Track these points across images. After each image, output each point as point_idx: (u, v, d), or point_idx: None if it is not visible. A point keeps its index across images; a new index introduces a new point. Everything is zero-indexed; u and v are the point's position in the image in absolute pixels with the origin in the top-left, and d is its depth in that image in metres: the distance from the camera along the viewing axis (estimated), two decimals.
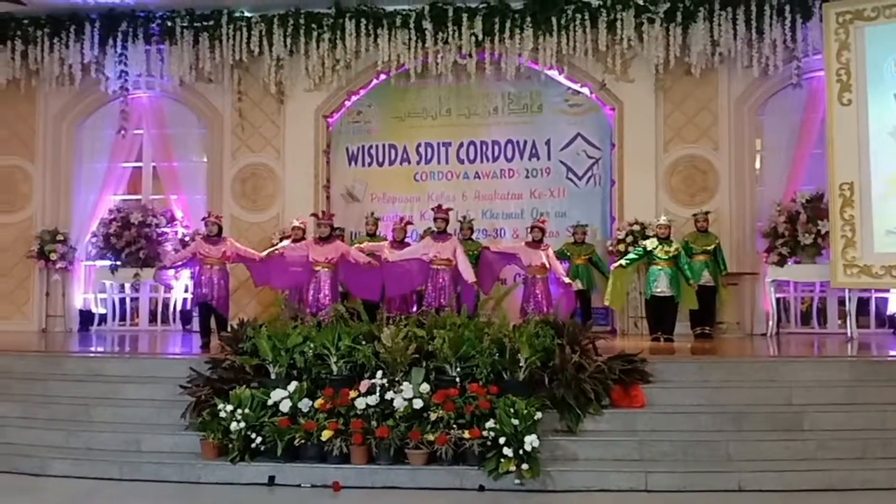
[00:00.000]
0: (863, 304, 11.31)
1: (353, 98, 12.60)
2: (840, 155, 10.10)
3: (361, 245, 10.52)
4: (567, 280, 10.36)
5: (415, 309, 9.82)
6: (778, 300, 11.41)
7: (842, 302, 11.04)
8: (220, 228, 10.34)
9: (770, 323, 11.23)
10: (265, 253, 10.30)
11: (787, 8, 11.24)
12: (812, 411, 7.27)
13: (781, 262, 11.13)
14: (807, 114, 11.60)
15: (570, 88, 12.27)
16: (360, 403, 6.98)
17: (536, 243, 10.36)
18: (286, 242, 10.77)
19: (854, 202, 10.00)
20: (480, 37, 11.65)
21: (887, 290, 11.16)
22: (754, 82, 11.65)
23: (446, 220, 10.03)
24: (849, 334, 10.34)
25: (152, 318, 12.89)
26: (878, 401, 7.41)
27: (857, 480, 6.49)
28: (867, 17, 10.17)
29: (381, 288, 9.73)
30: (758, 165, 12.00)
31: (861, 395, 7.50)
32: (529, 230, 10.69)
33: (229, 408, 7.01)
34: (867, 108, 10.05)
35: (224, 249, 10.04)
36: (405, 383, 7.06)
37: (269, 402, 7.11)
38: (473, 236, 11.27)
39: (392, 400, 6.96)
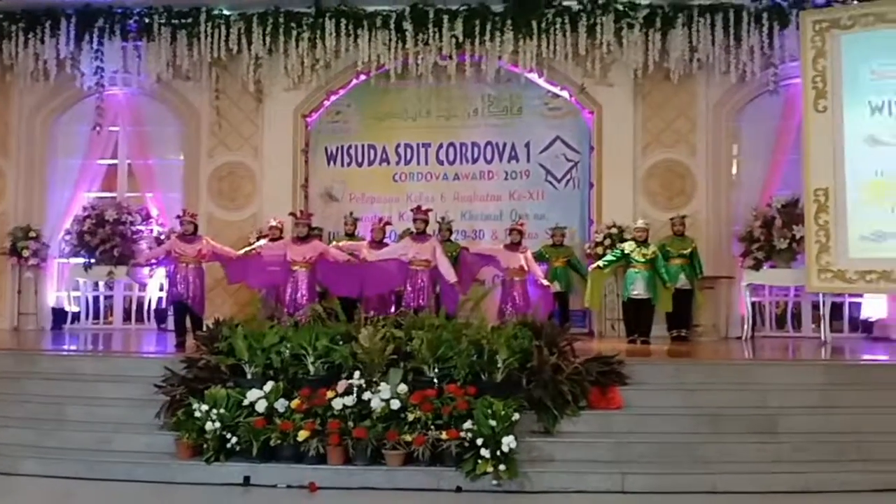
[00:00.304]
0: (836, 309, 11.45)
1: (333, 98, 12.55)
2: (815, 161, 10.21)
3: (340, 244, 10.48)
4: (545, 282, 10.39)
5: (393, 309, 9.79)
6: (753, 304, 11.50)
7: (816, 306, 11.14)
8: (196, 227, 10.26)
9: (745, 326, 11.32)
10: (242, 252, 10.22)
11: (765, 15, 11.38)
12: (786, 414, 7.33)
13: (757, 267, 11.23)
14: (783, 120, 11.72)
15: (549, 91, 12.30)
16: (337, 404, 6.94)
17: (515, 245, 10.37)
18: (263, 242, 10.71)
19: (829, 208, 10.10)
20: (461, 39, 11.65)
21: (861, 295, 11.29)
22: (732, 88, 11.76)
23: (426, 221, 10.01)
24: (822, 338, 10.44)
25: (126, 316, 12.76)
26: (851, 404, 7.49)
27: (831, 483, 6.55)
28: (843, 25, 10.28)
29: (359, 284, 9.68)
30: (734, 170, 12.10)
31: (835, 398, 7.58)
32: (508, 233, 10.70)
33: (204, 407, 6.95)
34: (842, 116, 10.15)
35: (199, 248, 9.96)
36: (383, 384, 7.03)
37: (245, 402, 7.05)
38: (452, 237, 11.27)
39: (369, 400, 6.94)
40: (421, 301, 9.49)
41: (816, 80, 10.32)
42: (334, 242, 10.74)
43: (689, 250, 10.92)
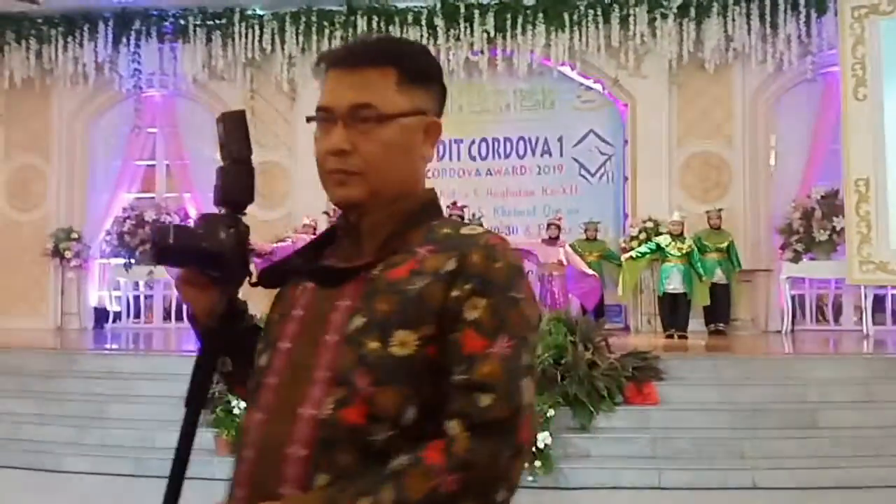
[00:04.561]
0: (879, 301, 11.23)
1: None
2: (855, 150, 10.02)
3: None
4: (588, 270, 10.27)
5: None
6: (793, 297, 11.33)
7: (858, 299, 10.95)
8: None
9: (785, 320, 11.15)
10: (277, 244, 10.38)
11: (802, 2, 11.18)
12: (827, 409, 7.21)
13: (796, 259, 11.06)
14: (822, 109, 11.50)
15: (582, 84, 12.21)
16: None
17: (553, 240, 10.32)
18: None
19: (870, 198, 9.91)
20: (492, 33, 11.63)
21: None
22: (769, 77, 11.57)
23: (461, 217, 10.01)
24: (864, 331, 10.26)
25: (166, 315, 12.94)
26: (893, 398, 7.34)
27: (871, 478, 6.43)
28: (882, 11, 10.07)
29: None
30: (772, 161, 11.91)
31: (877, 392, 7.44)
32: (546, 227, 10.64)
33: (242, 404, 7.01)
34: (883, 104, 9.96)
35: None
36: None
37: None
38: None
39: None
40: None
41: (856, 67, 10.13)
42: None
43: (725, 244, 10.79)
